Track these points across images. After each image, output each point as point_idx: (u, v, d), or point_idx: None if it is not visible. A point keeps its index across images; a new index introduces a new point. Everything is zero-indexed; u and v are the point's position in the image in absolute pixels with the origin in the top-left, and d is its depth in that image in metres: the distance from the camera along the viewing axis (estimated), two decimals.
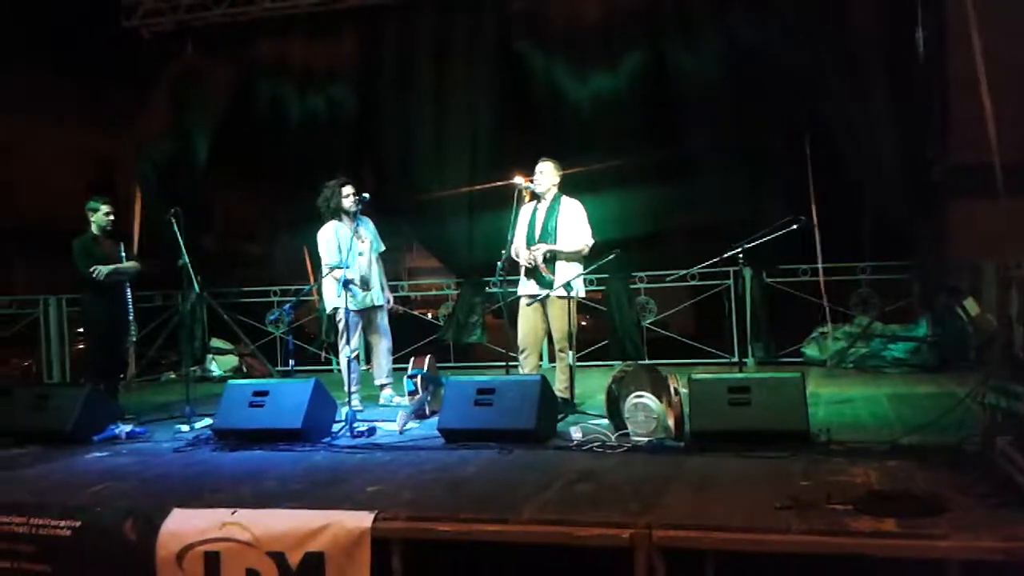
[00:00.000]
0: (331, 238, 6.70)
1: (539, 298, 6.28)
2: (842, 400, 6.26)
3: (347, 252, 6.49)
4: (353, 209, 6.70)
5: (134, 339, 7.09)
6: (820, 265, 8.42)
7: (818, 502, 3.60)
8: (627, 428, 5.10)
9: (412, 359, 6.73)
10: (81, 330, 8.89)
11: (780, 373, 5.28)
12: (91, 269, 6.71)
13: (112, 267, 6.78)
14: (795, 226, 5.82)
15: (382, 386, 6.98)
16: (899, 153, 8.08)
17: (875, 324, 8.03)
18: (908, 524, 3.32)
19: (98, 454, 5.56)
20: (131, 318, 6.90)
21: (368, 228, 6.88)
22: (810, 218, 5.84)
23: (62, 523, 4.08)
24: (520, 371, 6.37)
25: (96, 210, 6.88)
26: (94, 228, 6.89)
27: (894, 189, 8.12)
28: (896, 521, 3.35)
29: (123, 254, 6.90)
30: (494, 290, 8.97)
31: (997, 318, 7.56)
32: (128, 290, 6.90)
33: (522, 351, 6.44)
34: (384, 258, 7.08)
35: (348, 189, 6.75)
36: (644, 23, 8.81)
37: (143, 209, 10.26)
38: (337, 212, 6.73)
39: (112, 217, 6.93)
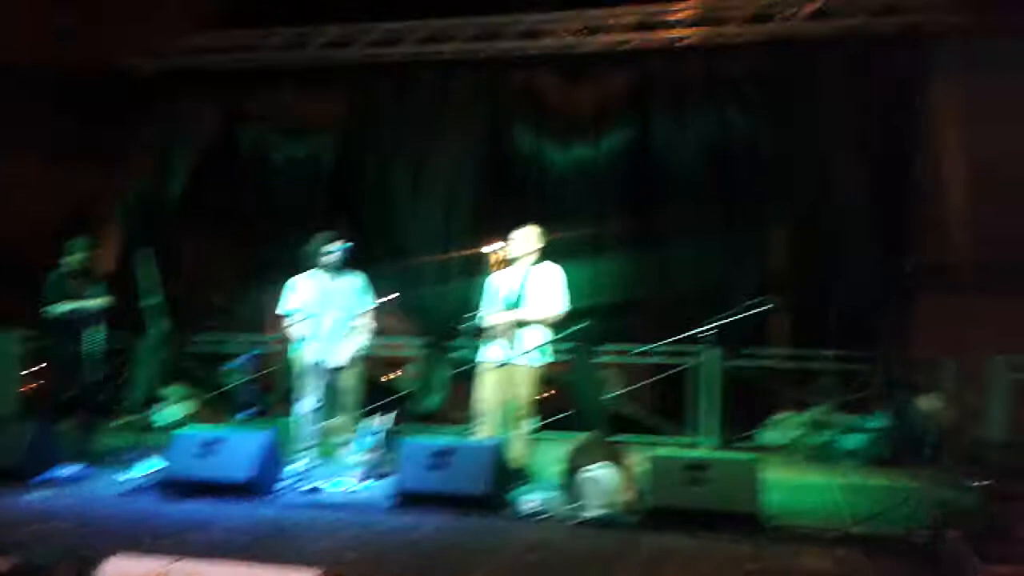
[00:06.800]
0: (291, 287, 6.71)
1: (501, 363, 6.27)
2: (796, 487, 6.24)
3: (313, 303, 6.49)
4: (335, 263, 6.71)
5: (98, 379, 6.96)
6: (782, 351, 8.48)
7: None
8: (581, 500, 5.07)
9: (371, 417, 6.66)
10: (39, 366, 8.73)
11: (737, 455, 5.31)
12: (46, 306, 6.68)
13: (71, 305, 6.73)
14: (769, 306, 5.88)
15: (340, 444, 6.86)
16: (869, 248, 8.26)
17: (832, 413, 8.08)
18: None
19: (39, 493, 5.45)
20: (96, 358, 6.81)
21: (350, 284, 6.79)
22: (779, 301, 5.93)
23: None
24: (476, 436, 6.32)
25: (71, 251, 6.90)
26: (69, 266, 6.87)
27: (862, 282, 8.25)
28: None
29: (96, 292, 6.85)
30: (458, 354, 8.95)
31: (954, 414, 7.63)
32: (95, 329, 6.81)
33: (479, 416, 6.40)
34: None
35: (333, 245, 6.74)
36: (631, 105, 9.06)
37: (116, 248, 10.20)
38: (322, 263, 6.73)
39: (84, 264, 6.93)
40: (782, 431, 8.11)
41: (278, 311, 6.71)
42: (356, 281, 6.83)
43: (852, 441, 7.65)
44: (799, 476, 6.77)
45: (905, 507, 4.82)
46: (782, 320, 8.49)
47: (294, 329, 6.53)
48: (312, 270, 6.74)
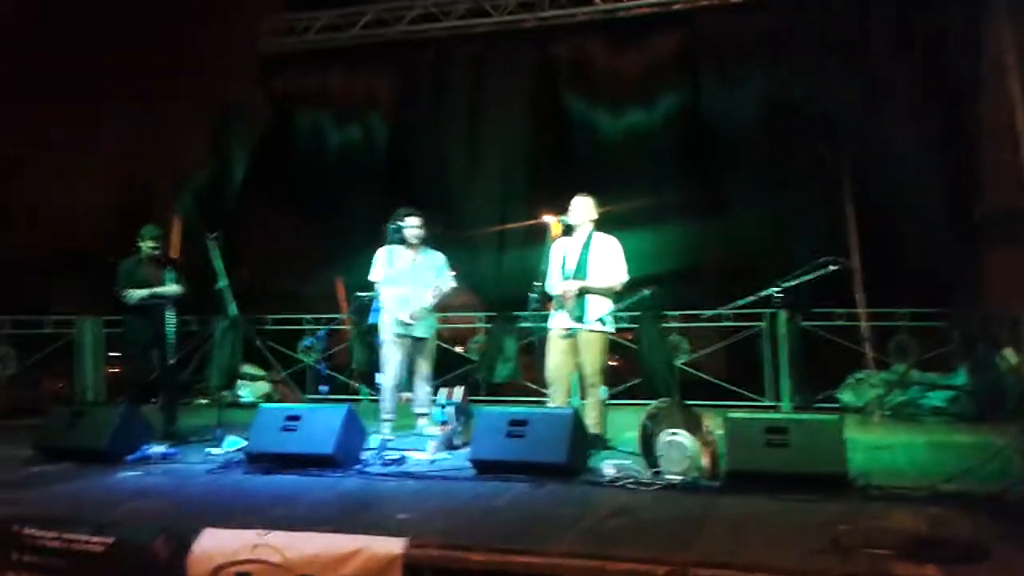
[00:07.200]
0: (375, 260, 6.78)
1: (571, 332, 6.25)
2: (880, 446, 6.13)
3: (395, 276, 6.58)
4: (415, 238, 6.75)
5: (171, 362, 7.09)
6: (859, 310, 8.31)
7: (858, 546, 3.54)
8: (660, 466, 5.05)
9: (444, 390, 6.72)
10: (119, 352, 9.00)
11: (819, 416, 5.22)
12: (123, 293, 6.84)
13: (147, 291, 6.90)
14: (834, 267, 5.75)
15: (419, 415, 6.94)
16: (937, 200, 8.04)
17: (912, 371, 7.91)
18: (950, 570, 3.26)
19: (130, 473, 5.59)
20: (170, 341, 6.96)
21: (431, 261, 6.87)
22: (849, 261, 5.78)
23: (94, 539, 4.08)
24: (549, 405, 6.32)
25: (143, 238, 7.04)
26: (141, 253, 7.03)
27: (932, 236, 8.06)
28: (938, 567, 3.29)
29: (169, 278, 6.99)
30: (526, 324, 8.97)
31: None
32: (169, 314, 6.97)
33: (550, 385, 6.39)
34: None
35: (412, 220, 6.80)
36: (681, 68, 8.93)
37: (182, 234, 10.42)
38: (400, 240, 6.79)
39: (156, 251, 7.07)
40: (861, 391, 7.97)
41: (369, 278, 6.76)
42: (438, 257, 6.88)
43: (934, 399, 7.50)
44: (882, 436, 6.66)
45: (995, 463, 4.69)
46: (853, 279, 8.33)
47: (379, 301, 6.60)
48: (393, 245, 6.79)
